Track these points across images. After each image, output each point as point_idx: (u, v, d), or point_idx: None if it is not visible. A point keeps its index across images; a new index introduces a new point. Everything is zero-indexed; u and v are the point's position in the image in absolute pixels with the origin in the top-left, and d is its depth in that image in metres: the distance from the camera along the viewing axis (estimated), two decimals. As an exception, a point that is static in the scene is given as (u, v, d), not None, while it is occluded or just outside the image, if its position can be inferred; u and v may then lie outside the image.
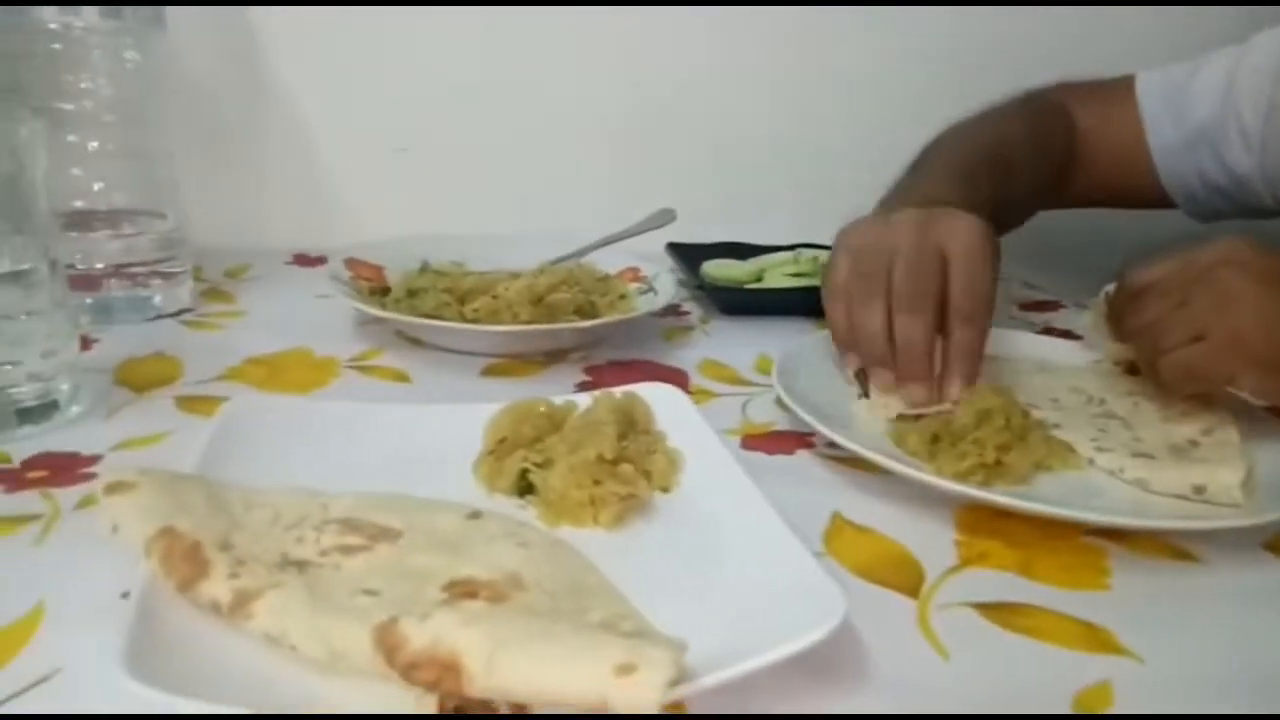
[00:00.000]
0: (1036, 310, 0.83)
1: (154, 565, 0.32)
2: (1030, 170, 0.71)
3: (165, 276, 0.67)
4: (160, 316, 0.66)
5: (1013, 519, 0.43)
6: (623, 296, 0.68)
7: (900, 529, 0.43)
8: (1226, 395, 0.53)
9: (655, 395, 0.50)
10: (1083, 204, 0.81)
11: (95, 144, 0.64)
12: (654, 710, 0.26)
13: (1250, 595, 0.40)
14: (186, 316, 0.67)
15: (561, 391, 0.51)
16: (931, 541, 0.42)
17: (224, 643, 0.30)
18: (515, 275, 0.65)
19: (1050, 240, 0.96)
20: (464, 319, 0.60)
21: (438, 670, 0.27)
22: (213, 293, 0.73)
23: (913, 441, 0.48)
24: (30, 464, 0.44)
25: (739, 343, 0.68)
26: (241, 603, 0.30)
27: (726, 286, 0.77)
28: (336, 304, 0.65)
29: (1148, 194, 0.78)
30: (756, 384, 0.61)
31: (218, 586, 0.31)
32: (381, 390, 0.56)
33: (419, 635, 0.28)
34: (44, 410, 0.48)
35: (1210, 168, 0.74)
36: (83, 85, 0.63)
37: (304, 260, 0.83)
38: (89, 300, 0.63)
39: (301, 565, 0.34)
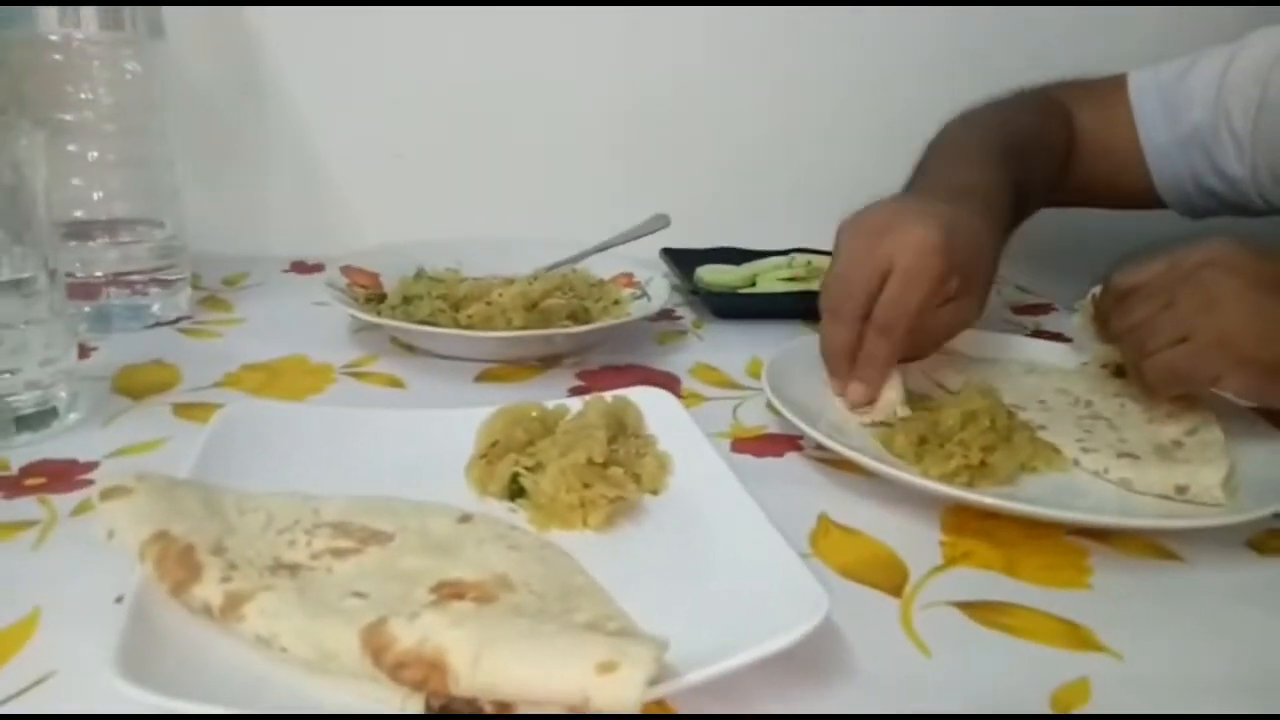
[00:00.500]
0: (1029, 313, 0.84)
1: (148, 569, 0.32)
2: (1042, 158, 0.72)
3: (163, 284, 0.67)
4: (158, 324, 0.67)
5: (997, 519, 0.44)
6: (616, 301, 0.69)
7: (886, 530, 0.44)
8: (1212, 395, 0.54)
9: (646, 399, 0.51)
10: (1078, 203, 0.82)
11: (95, 154, 0.65)
12: (635, 707, 0.27)
13: (1231, 593, 0.41)
14: (184, 324, 0.68)
15: (555, 396, 0.52)
16: (917, 542, 0.43)
17: (216, 645, 0.31)
18: (509, 281, 0.65)
19: (1045, 243, 0.97)
20: (458, 325, 0.61)
21: (424, 669, 0.28)
22: (211, 300, 0.73)
23: (900, 443, 0.49)
24: (28, 471, 0.45)
25: (732, 347, 0.68)
26: (233, 605, 0.31)
27: (720, 291, 0.78)
28: (333, 311, 0.66)
29: (1141, 193, 0.78)
30: (748, 387, 0.61)
31: (210, 589, 0.32)
32: (376, 396, 0.57)
33: (406, 635, 0.29)
34: (42, 417, 0.49)
35: (1203, 169, 0.74)
36: (83, 96, 0.64)
37: (302, 268, 0.84)
38: (88, 308, 0.64)
39: (293, 568, 0.34)
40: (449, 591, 0.33)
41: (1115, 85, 0.77)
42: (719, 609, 0.35)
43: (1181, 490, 0.45)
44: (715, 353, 0.67)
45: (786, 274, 0.80)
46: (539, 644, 0.28)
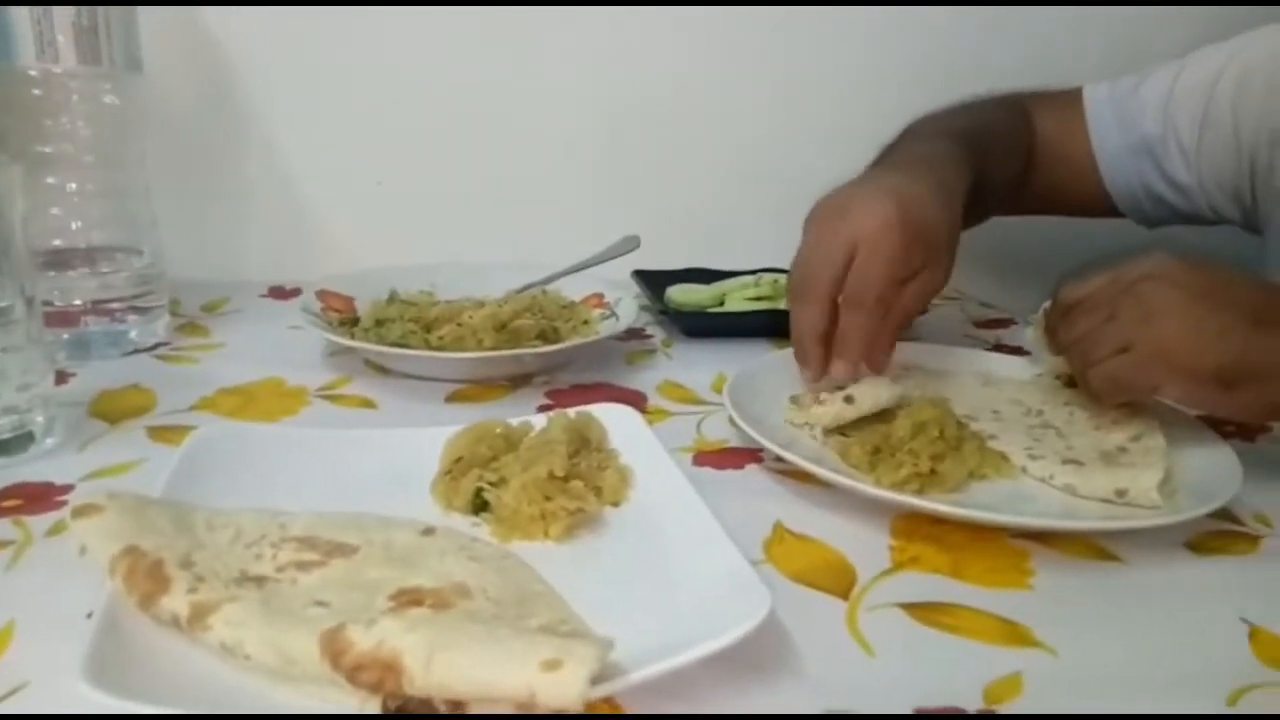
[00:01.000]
0: (990, 328, 0.86)
1: (118, 583, 0.34)
2: (1002, 150, 0.74)
3: (141, 311, 0.69)
4: (137, 351, 0.68)
5: (945, 525, 0.46)
6: (586, 321, 0.70)
7: (838, 537, 0.45)
8: (1158, 403, 0.56)
9: (609, 415, 0.52)
10: (1040, 210, 0.84)
11: (74, 185, 0.66)
12: (579, 703, 0.28)
13: (1168, 592, 0.42)
14: (162, 350, 0.69)
15: (524, 414, 0.53)
16: (867, 547, 0.44)
17: (183, 654, 0.32)
18: (480, 303, 0.67)
19: (1008, 258, 1.00)
20: (429, 346, 0.63)
21: (380, 671, 0.29)
22: (189, 326, 0.75)
23: (855, 454, 0.51)
24: (5, 493, 0.46)
25: (699, 364, 0.70)
26: (199, 615, 0.32)
27: (689, 310, 0.80)
28: (308, 335, 0.67)
29: (1097, 201, 0.81)
30: (713, 403, 0.63)
31: (177, 601, 0.33)
32: (349, 418, 0.58)
33: (363, 640, 0.30)
34: (19, 442, 0.50)
35: (1153, 178, 0.77)
36: (62, 129, 0.65)
37: (280, 293, 0.85)
38: (66, 336, 0.65)
39: (259, 580, 0.36)
40: (407, 599, 0.34)
41: (1072, 95, 0.80)
42: (669, 612, 0.36)
43: (1121, 494, 0.47)
44: (683, 370, 0.69)
45: (754, 293, 0.82)
46: (489, 645, 0.29)
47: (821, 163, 0.99)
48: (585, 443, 0.50)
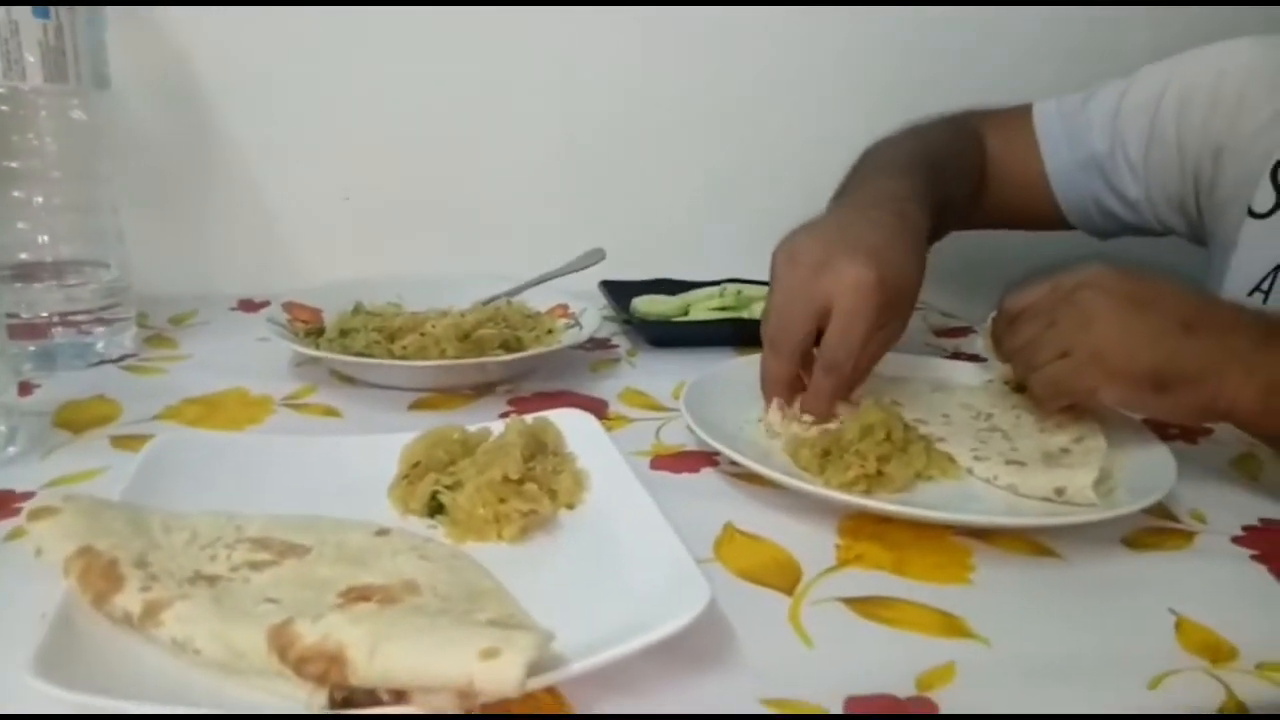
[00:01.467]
0: (950, 336, 0.88)
1: (72, 582, 0.35)
2: (957, 173, 0.76)
3: (108, 323, 0.69)
4: (103, 362, 0.68)
5: (891, 524, 0.47)
6: (550, 331, 0.72)
7: (787, 536, 0.47)
8: (1102, 408, 0.57)
9: (566, 420, 0.54)
10: (994, 224, 0.86)
11: (41, 199, 0.67)
12: (516, 690, 0.29)
13: (1103, 586, 0.44)
14: (129, 361, 0.69)
15: (486, 421, 0.54)
16: (814, 546, 0.46)
17: (135, 650, 0.33)
18: (444, 314, 0.68)
19: (967, 269, 1.02)
20: (393, 356, 0.64)
21: (325, 663, 0.30)
22: (157, 338, 0.75)
23: (805, 456, 0.52)
24: (-34, 501, 0.47)
25: (662, 373, 0.71)
26: (151, 612, 0.33)
27: (653, 320, 0.81)
28: (275, 346, 0.68)
29: (1048, 215, 0.83)
30: (673, 410, 0.64)
31: (130, 598, 0.34)
32: (313, 426, 0.59)
33: (310, 633, 0.31)
34: (-19, 450, 0.50)
35: (1103, 192, 0.79)
36: (29, 144, 0.66)
37: (249, 306, 0.86)
38: (33, 348, 0.66)
39: (212, 579, 0.36)
40: (356, 595, 0.35)
41: (1021, 113, 0.82)
42: (614, 608, 0.37)
43: (1060, 492, 0.48)
44: (646, 378, 0.70)
45: (718, 303, 0.83)
46: (431, 635, 0.30)
47: (787, 176, 1.02)
48: (541, 447, 0.51)
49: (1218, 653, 0.38)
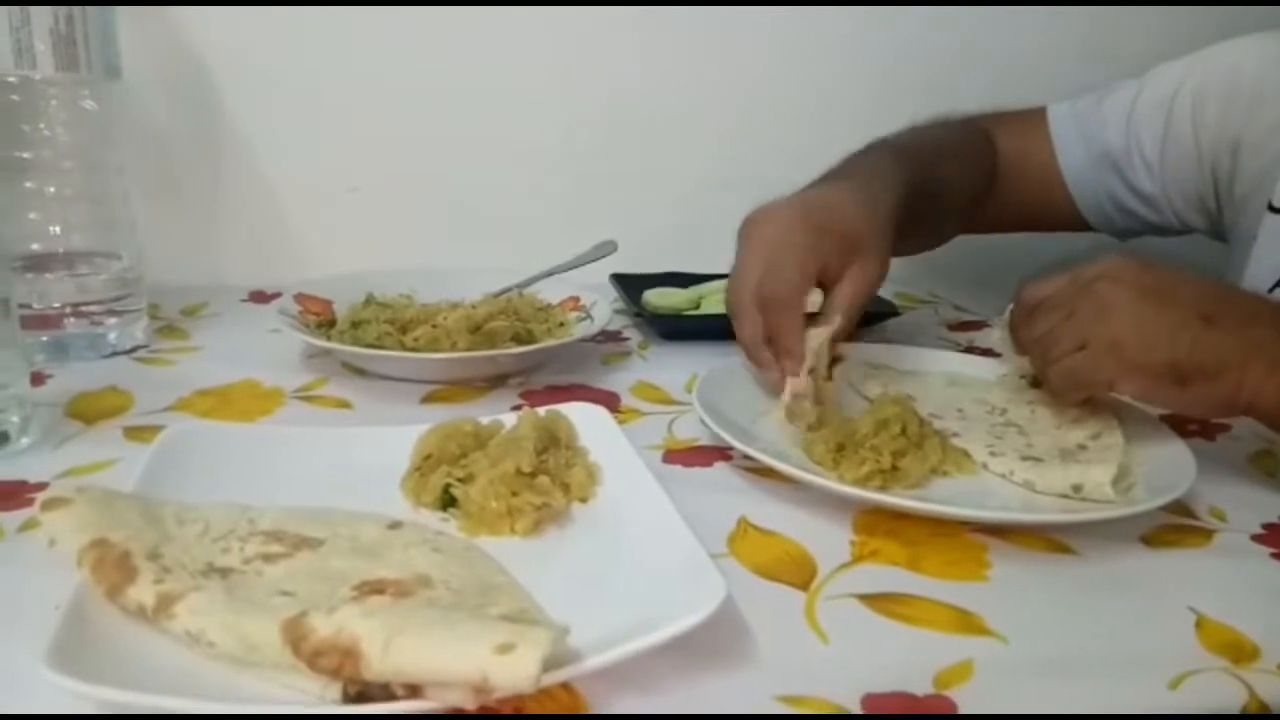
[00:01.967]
0: (962, 330, 0.87)
1: (85, 573, 0.34)
2: (957, 170, 0.76)
3: (120, 314, 0.69)
4: (115, 353, 0.68)
5: (906, 519, 0.47)
6: (561, 324, 0.71)
7: (801, 531, 0.46)
8: (1120, 403, 0.57)
9: (579, 414, 0.53)
10: (1009, 227, 0.86)
11: (52, 189, 0.67)
12: (531, 685, 0.29)
13: (1121, 584, 0.43)
14: (141, 353, 0.69)
15: (497, 414, 0.54)
16: (829, 542, 0.45)
17: (148, 643, 0.33)
18: (456, 306, 0.68)
19: (983, 266, 1.01)
20: (404, 348, 0.63)
21: (339, 656, 0.30)
22: (168, 330, 0.75)
23: (819, 451, 0.52)
24: (-22, 491, 0.47)
25: (674, 366, 0.70)
26: (164, 605, 0.33)
27: (664, 313, 0.81)
28: (286, 337, 0.68)
29: (1063, 216, 0.82)
30: (685, 404, 0.64)
31: (144, 591, 0.34)
32: (325, 418, 0.59)
33: (324, 626, 0.31)
34: (-6, 441, 0.50)
35: (1119, 189, 0.78)
36: (40, 134, 0.66)
37: (260, 297, 0.86)
38: (45, 338, 0.66)
39: (225, 572, 0.36)
40: (370, 589, 0.35)
41: (1035, 114, 0.82)
42: (628, 603, 0.37)
43: (1077, 489, 0.48)
44: (658, 372, 0.70)
45: (730, 296, 0.82)
46: (444, 629, 0.30)
47: (797, 167, 1.00)
48: (554, 440, 0.50)
49: (1240, 652, 0.38)
